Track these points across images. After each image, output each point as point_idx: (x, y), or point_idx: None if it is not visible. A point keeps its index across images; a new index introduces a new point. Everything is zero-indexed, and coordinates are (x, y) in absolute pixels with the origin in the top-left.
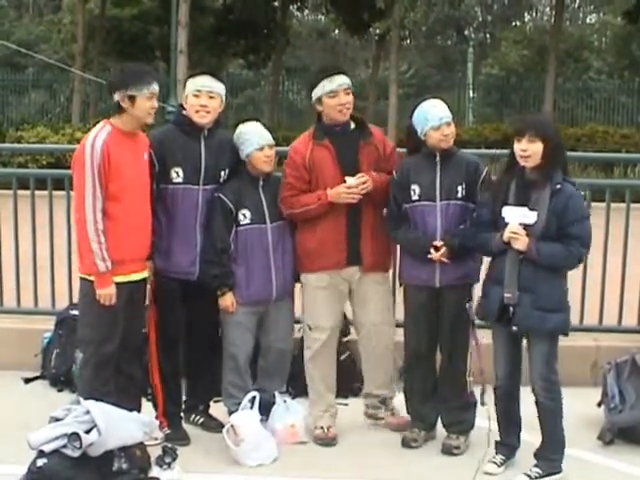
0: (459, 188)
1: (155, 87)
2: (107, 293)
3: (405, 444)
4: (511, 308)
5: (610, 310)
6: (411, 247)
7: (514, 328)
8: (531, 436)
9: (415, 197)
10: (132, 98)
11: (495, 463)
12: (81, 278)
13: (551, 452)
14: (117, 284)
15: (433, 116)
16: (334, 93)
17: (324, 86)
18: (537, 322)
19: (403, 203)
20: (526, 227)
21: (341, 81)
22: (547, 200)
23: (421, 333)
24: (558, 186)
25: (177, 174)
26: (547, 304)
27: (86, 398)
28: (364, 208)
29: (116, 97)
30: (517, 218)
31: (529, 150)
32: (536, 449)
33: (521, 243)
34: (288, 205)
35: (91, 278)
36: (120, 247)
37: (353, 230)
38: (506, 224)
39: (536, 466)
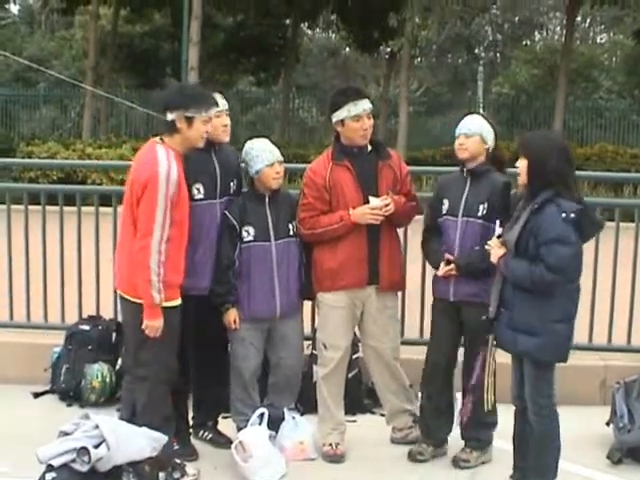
0: (480, 207)
1: (212, 112)
2: (156, 325)
3: (411, 457)
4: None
5: (619, 329)
6: (428, 259)
7: (494, 343)
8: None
9: (444, 211)
10: (190, 119)
11: None
12: (133, 302)
13: (536, 476)
14: (176, 307)
15: (459, 127)
16: (358, 117)
17: (349, 110)
18: (509, 342)
19: (437, 216)
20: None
21: (365, 105)
22: (524, 218)
23: (440, 346)
24: (536, 206)
25: (198, 190)
26: (520, 325)
27: (149, 425)
28: (382, 229)
29: (171, 116)
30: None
31: (519, 167)
32: (525, 470)
33: (492, 255)
34: (308, 226)
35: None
36: (179, 270)
37: (373, 250)
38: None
39: None
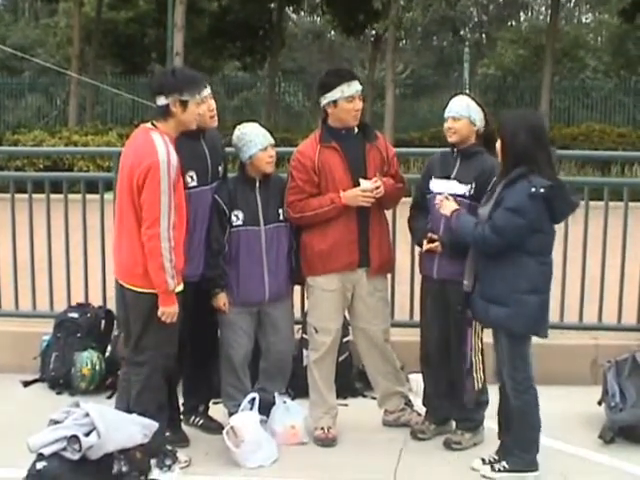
0: (468, 186)
1: (204, 94)
2: (173, 311)
3: (413, 435)
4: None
5: (609, 308)
6: (412, 236)
7: (469, 314)
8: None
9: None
10: (184, 103)
11: (483, 460)
12: (140, 292)
13: (519, 450)
14: (178, 293)
15: (447, 109)
16: (352, 98)
17: (343, 91)
18: (481, 312)
19: (424, 193)
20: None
21: (358, 87)
22: (497, 192)
23: (430, 326)
24: (508, 181)
25: (192, 178)
26: (488, 295)
27: (139, 412)
28: (371, 211)
29: (164, 101)
30: (444, 188)
31: (497, 146)
32: (507, 444)
33: (445, 208)
34: (297, 209)
35: (154, 291)
36: (181, 256)
37: (363, 232)
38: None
39: (504, 460)
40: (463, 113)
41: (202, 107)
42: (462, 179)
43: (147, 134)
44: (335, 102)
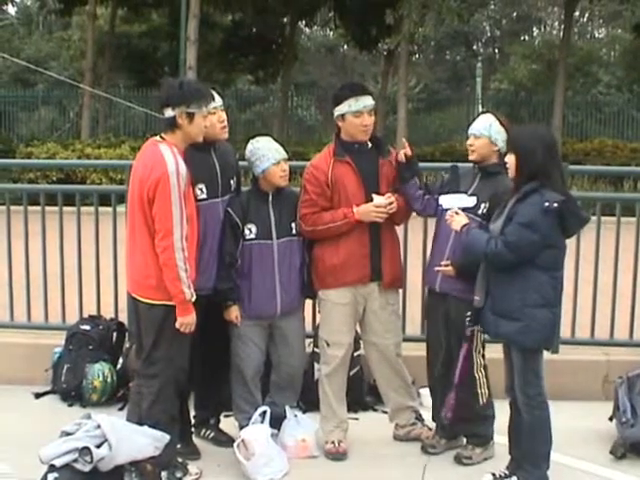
0: (482, 205)
1: (212, 105)
2: (190, 321)
3: (423, 449)
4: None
5: (621, 324)
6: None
7: (481, 337)
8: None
9: None
10: (190, 115)
11: (493, 475)
12: (153, 304)
13: (529, 465)
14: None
15: (470, 127)
16: (359, 113)
17: (350, 105)
18: (492, 327)
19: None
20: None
21: (367, 102)
22: (509, 207)
23: (434, 340)
24: (520, 196)
25: (201, 190)
26: (499, 309)
27: (151, 424)
28: (383, 226)
29: (171, 113)
30: (453, 203)
31: (508, 162)
32: (518, 459)
33: (455, 223)
34: (310, 222)
35: (170, 303)
36: (193, 267)
37: (375, 246)
38: (445, 211)
39: (515, 475)
40: (484, 132)
41: (210, 119)
42: (479, 196)
43: (155, 147)
44: (343, 116)
